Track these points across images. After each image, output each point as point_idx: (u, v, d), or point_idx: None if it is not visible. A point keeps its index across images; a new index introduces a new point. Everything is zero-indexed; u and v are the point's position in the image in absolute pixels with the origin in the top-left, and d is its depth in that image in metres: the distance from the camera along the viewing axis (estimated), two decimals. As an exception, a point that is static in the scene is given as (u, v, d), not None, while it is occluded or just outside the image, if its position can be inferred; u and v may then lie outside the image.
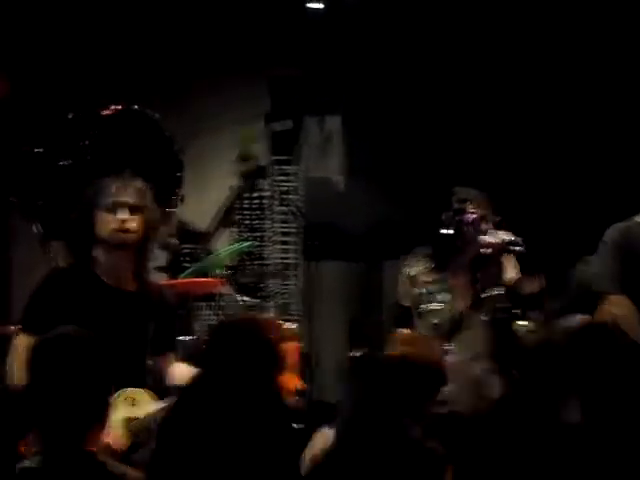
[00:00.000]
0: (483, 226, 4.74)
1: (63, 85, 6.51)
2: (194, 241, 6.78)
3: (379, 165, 7.58)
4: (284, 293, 7.76)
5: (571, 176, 7.16)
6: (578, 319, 3.15)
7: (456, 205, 4.79)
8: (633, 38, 6.87)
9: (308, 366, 6.45)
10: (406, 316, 4.86)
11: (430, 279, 4.84)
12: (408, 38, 7.38)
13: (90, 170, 5.66)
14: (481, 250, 4.71)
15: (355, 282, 7.80)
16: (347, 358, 6.03)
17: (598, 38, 7.01)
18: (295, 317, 7.48)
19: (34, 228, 5.70)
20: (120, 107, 5.75)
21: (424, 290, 4.83)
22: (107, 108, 5.69)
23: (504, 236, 4.61)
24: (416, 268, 4.90)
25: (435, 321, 4.75)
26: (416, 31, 7.34)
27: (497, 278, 4.75)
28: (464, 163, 7.08)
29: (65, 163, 5.71)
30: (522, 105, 7.30)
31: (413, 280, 4.87)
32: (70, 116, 5.86)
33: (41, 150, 5.71)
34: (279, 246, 7.87)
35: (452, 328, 4.62)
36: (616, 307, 5.00)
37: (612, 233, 5.12)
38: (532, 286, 4.64)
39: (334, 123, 7.96)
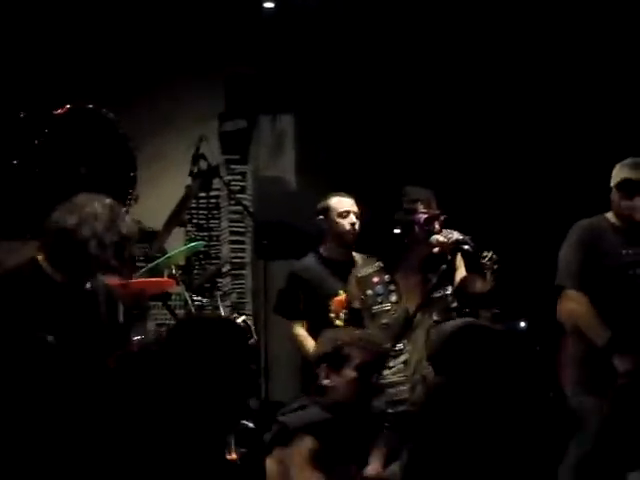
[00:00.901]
0: (435, 226, 4.77)
1: (16, 84, 6.46)
2: (147, 240, 6.77)
3: (331, 165, 7.60)
4: (236, 292, 7.77)
5: (521, 175, 7.23)
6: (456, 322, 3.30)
7: (407, 205, 4.82)
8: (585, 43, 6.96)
9: (261, 365, 6.45)
10: (356, 317, 4.89)
11: (380, 280, 4.86)
12: (362, 37, 7.41)
13: (43, 169, 5.64)
14: (433, 250, 4.74)
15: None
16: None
17: (546, 43, 7.11)
18: (247, 316, 7.49)
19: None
20: (73, 106, 5.72)
21: (372, 291, 4.85)
22: (60, 107, 5.66)
23: (459, 236, 4.62)
24: (365, 269, 4.93)
25: (385, 321, 4.78)
26: (369, 30, 7.38)
27: (449, 278, 4.78)
28: (417, 162, 7.13)
29: (17, 162, 5.66)
30: (474, 106, 7.36)
31: (362, 281, 4.89)
32: (22, 115, 5.82)
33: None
34: (231, 245, 7.89)
35: (402, 328, 4.63)
36: (572, 302, 5.10)
37: (576, 229, 5.21)
38: (482, 285, 4.67)
39: (287, 122, 7.98)
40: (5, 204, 5.69)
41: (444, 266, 4.65)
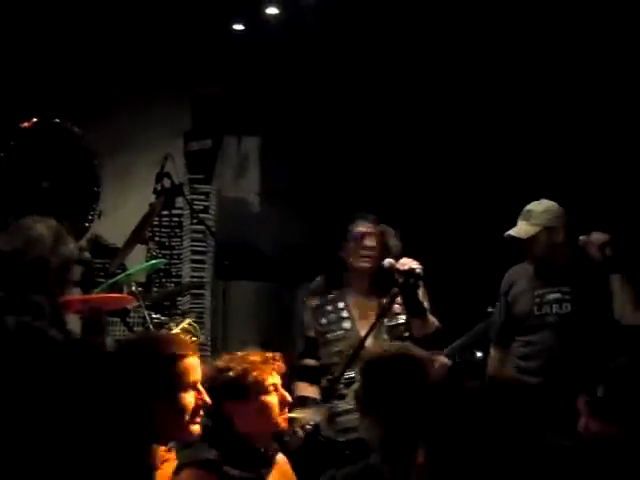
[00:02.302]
0: (365, 241, 4.84)
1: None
2: (108, 256, 6.77)
3: (294, 188, 7.64)
4: (195, 312, 7.76)
5: (480, 215, 7.27)
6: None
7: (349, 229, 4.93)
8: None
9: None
10: (311, 347, 4.92)
11: (333, 308, 4.91)
12: (329, 62, 7.46)
13: (7, 181, 5.64)
14: (397, 277, 4.72)
15: (266, 303, 7.85)
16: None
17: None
18: (207, 335, 7.49)
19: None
20: (39, 120, 5.73)
21: (326, 320, 4.89)
22: (26, 120, 5.67)
23: (417, 265, 4.61)
24: (318, 299, 4.97)
25: (338, 349, 4.81)
26: (336, 54, 7.43)
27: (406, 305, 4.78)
28: (381, 188, 7.18)
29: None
30: (436, 134, 7.41)
31: (316, 311, 4.94)
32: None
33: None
34: (191, 264, 7.89)
35: (354, 356, 4.64)
36: (490, 355, 5.31)
37: (503, 280, 5.34)
38: (424, 329, 4.70)
39: (252, 144, 8.02)
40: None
41: (395, 289, 4.64)
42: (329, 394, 4.68)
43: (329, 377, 4.76)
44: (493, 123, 7.19)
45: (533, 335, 5.09)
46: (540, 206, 5.13)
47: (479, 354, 6.29)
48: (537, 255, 5.12)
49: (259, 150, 8.03)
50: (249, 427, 3.45)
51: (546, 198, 5.20)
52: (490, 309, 5.03)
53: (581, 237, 5.03)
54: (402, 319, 4.78)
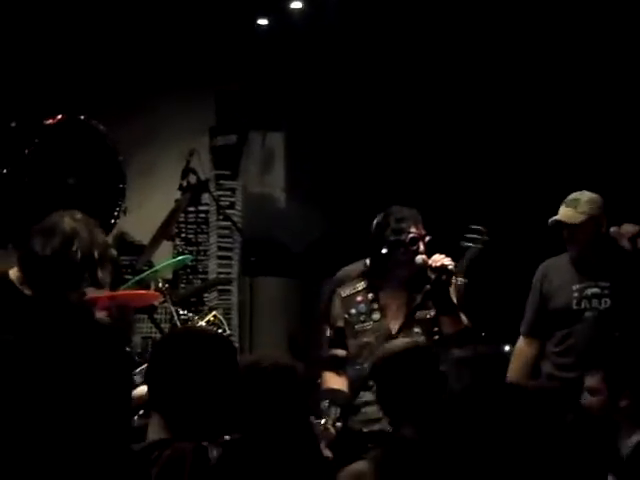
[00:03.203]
0: (419, 246, 4.77)
1: (7, 93, 6.47)
2: (134, 253, 6.78)
3: (320, 182, 7.62)
4: (222, 307, 7.77)
5: (504, 202, 7.24)
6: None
7: (394, 225, 4.82)
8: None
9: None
10: (340, 337, 4.89)
11: (363, 299, 4.87)
12: (353, 56, 7.45)
13: (32, 178, 5.64)
14: (429, 273, 4.71)
15: (293, 297, 7.84)
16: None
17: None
18: (234, 331, 7.49)
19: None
20: (64, 117, 5.73)
21: (355, 310, 4.86)
22: (51, 117, 5.66)
23: (449, 262, 4.62)
24: (349, 289, 4.93)
25: (366, 340, 4.79)
26: (360, 49, 7.42)
27: (434, 300, 4.76)
28: (405, 182, 7.15)
29: (6, 171, 5.66)
30: (456, 129, 7.39)
31: (346, 301, 4.90)
32: (13, 124, 5.82)
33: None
34: (218, 260, 7.90)
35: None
36: (517, 346, 5.29)
37: (537, 272, 5.29)
38: (454, 326, 4.70)
39: (276, 139, 8.02)
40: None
41: (428, 286, 4.65)
42: (356, 386, 4.66)
43: (357, 367, 4.74)
44: (512, 122, 7.19)
45: (569, 330, 5.05)
46: (584, 195, 5.09)
47: (507, 347, 6.26)
48: (582, 243, 5.06)
49: (284, 145, 8.02)
50: None
51: (575, 190, 5.16)
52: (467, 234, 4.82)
53: (612, 228, 4.99)
54: (433, 313, 4.76)
